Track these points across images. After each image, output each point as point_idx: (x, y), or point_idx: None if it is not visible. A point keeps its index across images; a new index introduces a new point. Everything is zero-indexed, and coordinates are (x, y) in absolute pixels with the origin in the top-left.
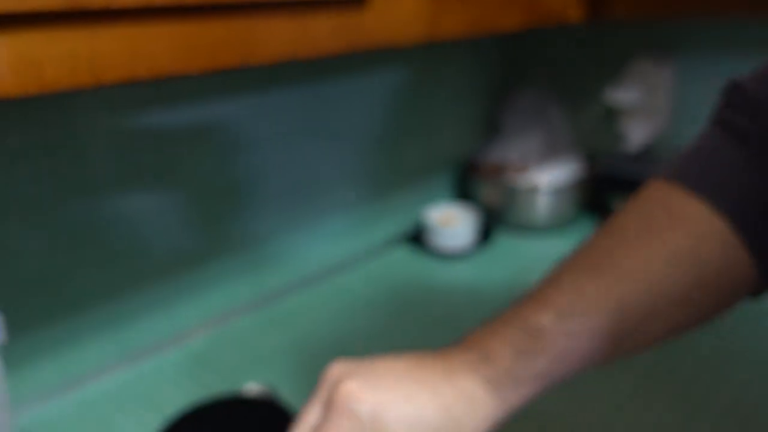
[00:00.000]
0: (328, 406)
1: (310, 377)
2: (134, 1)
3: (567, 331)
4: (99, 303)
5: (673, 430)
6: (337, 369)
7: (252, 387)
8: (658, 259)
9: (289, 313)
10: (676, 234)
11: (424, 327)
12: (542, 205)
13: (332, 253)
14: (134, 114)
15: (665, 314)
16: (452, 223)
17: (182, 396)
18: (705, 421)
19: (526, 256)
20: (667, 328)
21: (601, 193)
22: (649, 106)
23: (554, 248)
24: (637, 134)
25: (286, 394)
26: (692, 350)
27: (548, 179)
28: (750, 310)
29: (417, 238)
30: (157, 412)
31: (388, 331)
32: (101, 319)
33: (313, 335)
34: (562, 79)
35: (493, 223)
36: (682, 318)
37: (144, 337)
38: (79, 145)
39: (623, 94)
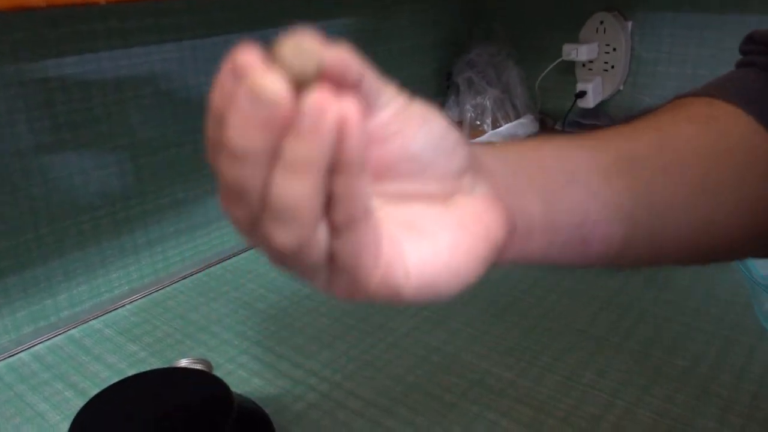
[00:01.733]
0: None
1: (251, 350)
2: None
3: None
4: (12, 270)
5: (631, 396)
6: None
7: (185, 362)
8: (678, 135)
9: (228, 279)
10: (702, 127)
11: None
12: None
13: None
14: (46, 63)
15: (683, 193)
16: None
17: (106, 372)
18: (664, 385)
19: None
20: (687, 220)
21: None
22: (606, 63)
23: None
24: (594, 91)
25: (222, 370)
26: (647, 315)
27: (504, 138)
28: (705, 273)
29: None
30: (77, 390)
31: (335, 299)
32: (15, 288)
33: (254, 303)
34: (520, 35)
35: None
36: (701, 207)
37: (63, 307)
38: None
39: (581, 51)
